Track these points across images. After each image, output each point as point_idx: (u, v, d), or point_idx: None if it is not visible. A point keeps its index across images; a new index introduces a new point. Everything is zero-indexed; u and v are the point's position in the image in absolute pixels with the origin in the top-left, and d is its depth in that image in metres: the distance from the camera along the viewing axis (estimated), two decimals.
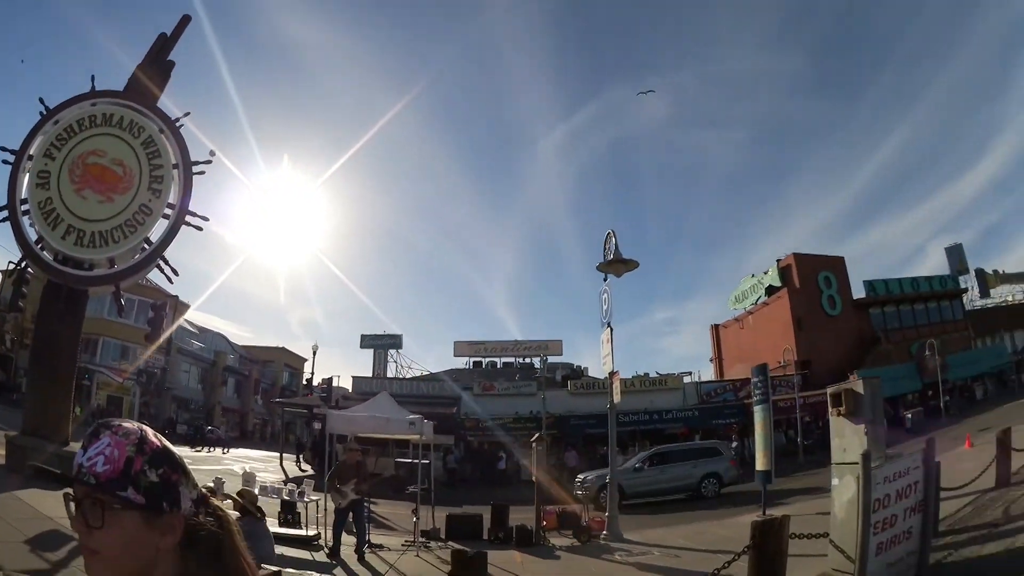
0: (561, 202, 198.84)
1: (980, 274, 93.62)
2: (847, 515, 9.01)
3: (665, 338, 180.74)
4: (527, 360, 61.28)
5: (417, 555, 15.45)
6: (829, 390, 10.41)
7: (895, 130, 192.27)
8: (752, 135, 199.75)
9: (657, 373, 57.79)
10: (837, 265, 66.99)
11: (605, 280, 18.91)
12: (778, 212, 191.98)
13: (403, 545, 16.49)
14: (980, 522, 12.50)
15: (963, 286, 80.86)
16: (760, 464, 16.75)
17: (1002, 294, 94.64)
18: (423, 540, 17.02)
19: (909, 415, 48.94)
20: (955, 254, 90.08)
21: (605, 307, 19.22)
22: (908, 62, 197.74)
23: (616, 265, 18.04)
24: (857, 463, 8.66)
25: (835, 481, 9.68)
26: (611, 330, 19.12)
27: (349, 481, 15.28)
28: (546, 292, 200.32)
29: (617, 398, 18.79)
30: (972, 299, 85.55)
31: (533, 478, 18.49)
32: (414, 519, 17.41)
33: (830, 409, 10.22)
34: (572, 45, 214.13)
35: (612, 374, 18.90)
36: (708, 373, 71.50)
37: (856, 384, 10.05)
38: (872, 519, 8.44)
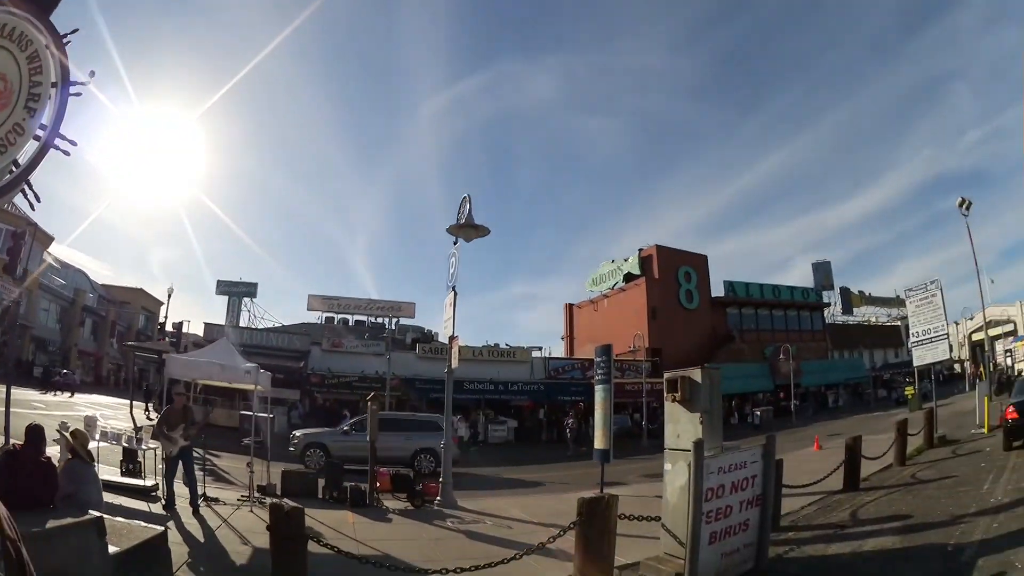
0: (435, 166, 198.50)
1: (845, 292, 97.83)
2: (679, 501, 8.97)
3: (521, 312, 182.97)
4: (379, 320, 60.63)
5: (251, 510, 15.08)
6: (666, 375, 10.31)
7: (783, 148, 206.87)
8: (636, 128, 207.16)
9: (507, 345, 58.06)
10: (699, 262, 69.90)
11: (455, 244, 18.64)
12: (649, 205, 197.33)
13: (239, 500, 16.14)
14: (826, 522, 12.81)
15: (826, 301, 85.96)
16: (599, 443, 17.01)
17: (865, 314, 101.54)
18: (258, 496, 16.62)
19: (758, 412, 51.97)
20: (821, 270, 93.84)
21: (452, 271, 19.05)
22: (812, 89, 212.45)
23: (467, 230, 18.08)
24: (689, 450, 8.55)
25: (668, 466, 9.65)
26: (455, 294, 18.92)
27: (177, 427, 14.58)
28: (407, 254, 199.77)
29: (455, 363, 18.84)
30: (834, 314, 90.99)
31: (369, 438, 18.51)
32: (249, 472, 16.95)
33: (666, 395, 10.09)
34: (474, 7, 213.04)
35: (452, 338, 19.10)
36: (559, 351, 72.35)
37: (694, 372, 9.89)
38: (704, 507, 8.41)
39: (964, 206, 30.85)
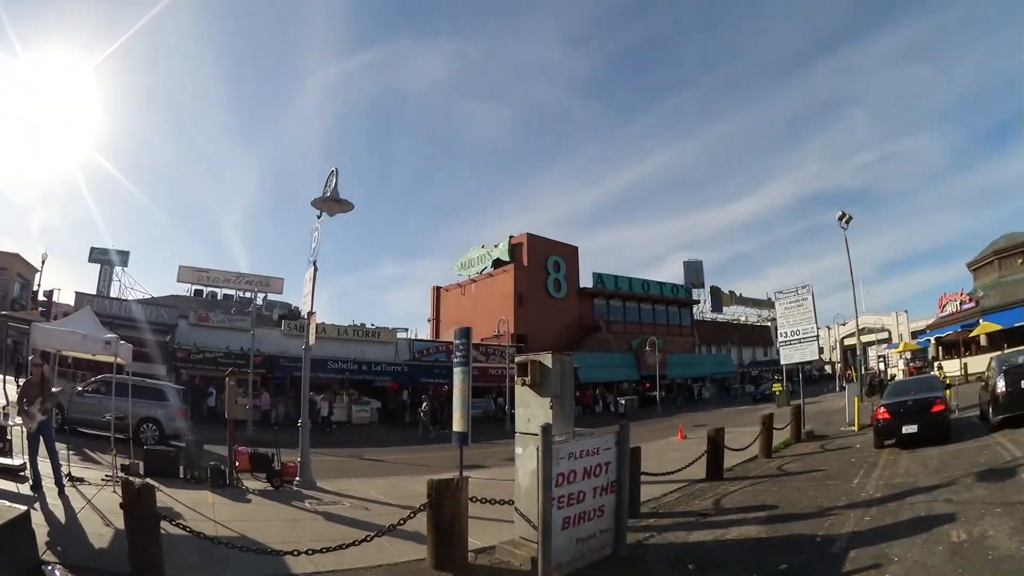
0: (316, 140, 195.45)
1: (715, 291, 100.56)
2: (530, 485, 9.03)
3: (391, 293, 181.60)
4: (247, 294, 59.16)
5: (114, 491, 14.29)
6: (517, 359, 10.47)
7: (669, 149, 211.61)
8: (522, 117, 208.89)
9: (373, 325, 57.39)
10: (569, 253, 71.00)
11: (319, 218, 18.39)
12: (526, 194, 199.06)
13: (103, 480, 15.52)
14: (688, 509, 13.06)
15: (696, 298, 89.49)
16: (457, 425, 16.74)
17: (735, 313, 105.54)
18: (122, 476, 15.62)
19: (623, 401, 53.52)
20: (693, 268, 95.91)
21: (314, 245, 18.89)
22: (705, 96, 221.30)
23: (331, 204, 17.80)
24: (539, 434, 8.66)
25: (519, 450, 9.72)
26: (315, 270, 18.76)
27: (35, 401, 13.72)
28: (283, 229, 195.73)
29: (312, 340, 18.87)
30: (703, 311, 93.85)
31: (226, 416, 18.16)
32: (113, 451, 16.84)
33: (516, 378, 10.16)
34: None
35: (310, 315, 19.10)
36: (425, 333, 71.69)
37: (545, 357, 9.93)
38: (555, 492, 8.53)
39: (844, 220, 32.77)
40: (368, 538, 8.75)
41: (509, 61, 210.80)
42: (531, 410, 9.87)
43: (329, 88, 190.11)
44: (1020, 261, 58.57)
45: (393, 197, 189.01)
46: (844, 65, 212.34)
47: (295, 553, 8.34)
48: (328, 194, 17.73)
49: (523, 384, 9.98)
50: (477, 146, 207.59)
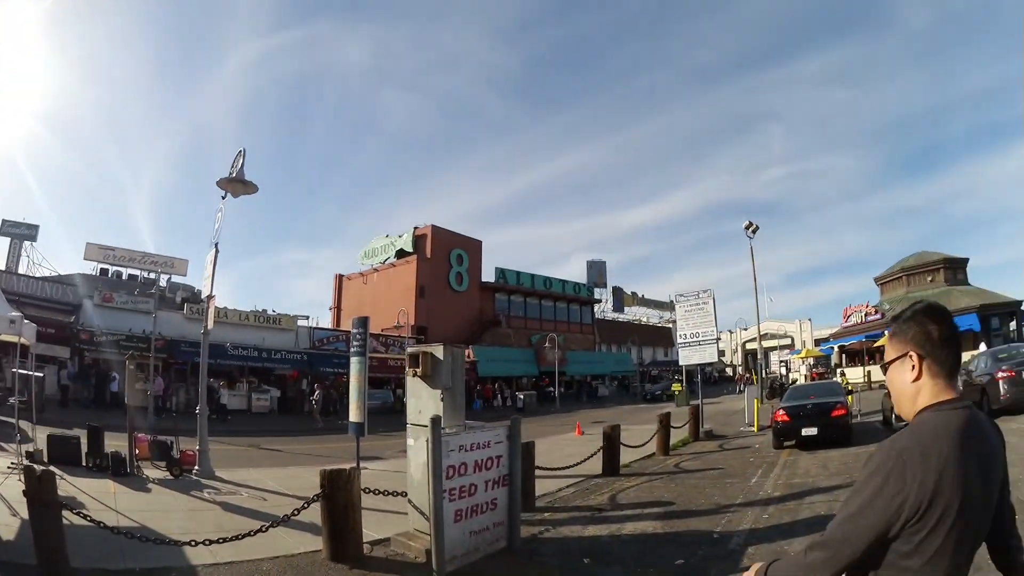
0: (231, 117, 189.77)
1: (617, 291, 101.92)
2: (422, 477, 9.02)
3: (294, 280, 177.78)
4: (151, 275, 57.58)
5: (19, 479, 13.76)
6: (409, 350, 10.43)
7: (582, 149, 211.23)
8: (438, 108, 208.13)
9: (275, 311, 56.34)
10: (473, 246, 71.42)
11: (223, 198, 18.00)
12: (436, 185, 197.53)
13: (9, 467, 15.48)
14: (584, 504, 13.12)
15: (598, 297, 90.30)
16: (353, 415, 16.83)
17: (637, 313, 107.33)
18: (27, 463, 15.23)
19: (522, 396, 54.45)
20: (596, 268, 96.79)
21: (217, 227, 18.52)
22: (623, 100, 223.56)
23: (236, 184, 17.48)
24: (429, 426, 8.64)
25: (411, 442, 9.80)
26: (216, 252, 18.45)
27: None
28: (191, 208, 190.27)
29: (210, 324, 18.63)
30: (604, 310, 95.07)
31: (126, 401, 18.06)
32: (18, 438, 16.68)
33: (408, 369, 10.16)
34: None
35: (209, 298, 18.74)
36: (327, 321, 70.79)
37: (436, 348, 10.08)
38: (446, 485, 8.62)
39: (751, 229, 33.87)
40: (264, 528, 8.75)
41: (430, 51, 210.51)
42: (422, 402, 9.90)
43: (249, 66, 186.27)
44: (930, 279, 63.67)
45: (302, 181, 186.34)
46: (767, 82, 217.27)
47: (193, 543, 8.34)
48: (234, 175, 17.45)
49: (414, 375, 9.99)
50: (390, 135, 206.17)
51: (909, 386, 2.36)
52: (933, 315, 2.36)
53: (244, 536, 8.52)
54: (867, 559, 2.18)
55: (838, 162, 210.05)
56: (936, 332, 2.33)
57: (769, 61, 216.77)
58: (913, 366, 2.33)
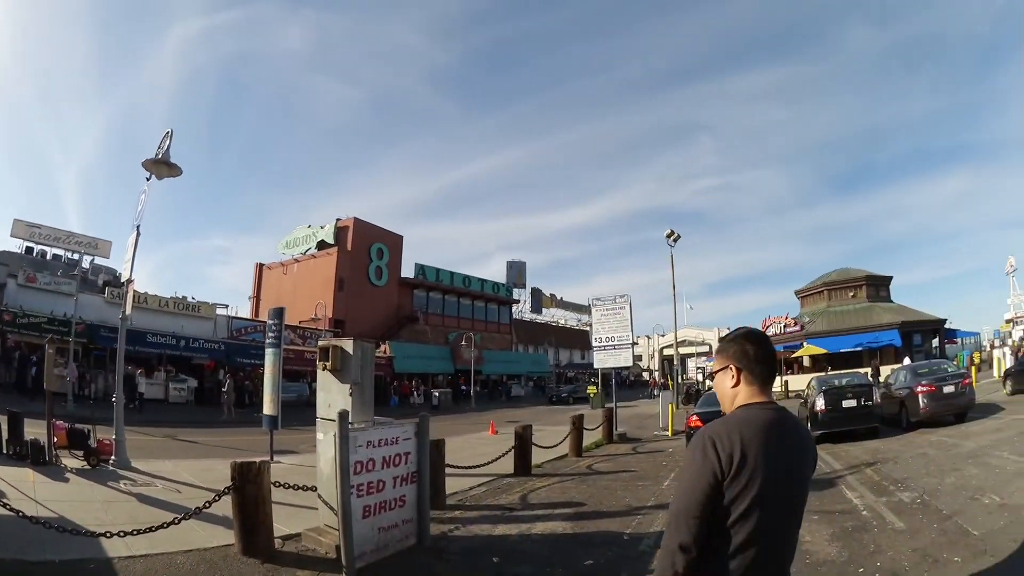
0: (166, 95, 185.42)
1: (536, 292, 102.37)
2: (331, 472, 9.03)
3: (216, 267, 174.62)
4: (75, 256, 56.17)
5: None
6: (320, 343, 10.58)
7: (512, 150, 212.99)
8: (371, 100, 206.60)
9: (194, 299, 55.35)
10: (394, 241, 71.39)
11: (148, 180, 17.59)
12: (362, 177, 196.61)
13: None
14: (495, 503, 13.31)
15: (517, 298, 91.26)
16: (267, 408, 17.33)
17: (555, 315, 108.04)
18: None
19: (437, 393, 54.50)
20: (515, 268, 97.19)
21: (139, 209, 18.04)
22: (557, 104, 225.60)
23: (160, 166, 17.22)
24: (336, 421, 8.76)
25: (320, 436, 9.85)
26: (138, 235, 17.96)
27: None
28: (122, 189, 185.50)
29: (128, 309, 18.21)
30: (522, 311, 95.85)
31: (45, 387, 17.70)
32: None
33: (318, 363, 10.26)
34: None
35: (128, 282, 18.18)
36: (246, 311, 69.86)
37: (346, 342, 10.16)
38: (354, 480, 8.69)
39: (672, 238, 35.20)
40: (176, 521, 8.68)
41: (369, 42, 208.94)
42: (332, 396, 9.96)
43: (189, 43, 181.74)
44: (851, 294, 66.27)
45: (230, 165, 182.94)
46: (703, 94, 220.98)
47: (108, 535, 8.32)
48: (160, 156, 17.18)
49: (324, 369, 10.06)
50: (321, 124, 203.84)
51: (730, 390, 3.01)
52: (751, 338, 3.01)
53: (158, 528, 8.48)
54: (707, 528, 2.59)
55: (767, 177, 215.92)
56: (752, 351, 2.96)
57: (707, 74, 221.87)
58: (733, 376, 2.98)
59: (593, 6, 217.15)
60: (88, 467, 15.72)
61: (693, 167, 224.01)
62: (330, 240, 66.99)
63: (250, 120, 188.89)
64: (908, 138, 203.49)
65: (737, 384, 2.96)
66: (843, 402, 20.47)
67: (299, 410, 30.62)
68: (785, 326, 65.79)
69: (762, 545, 2.59)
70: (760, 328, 64.62)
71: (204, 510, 8.95)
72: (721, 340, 3.21)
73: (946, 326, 63.40)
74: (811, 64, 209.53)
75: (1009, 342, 53.53)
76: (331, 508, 9.08)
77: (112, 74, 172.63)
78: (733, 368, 2.97)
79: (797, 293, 73.49)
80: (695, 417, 19.99)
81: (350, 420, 8.87)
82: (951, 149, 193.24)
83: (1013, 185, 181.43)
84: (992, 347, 59.40)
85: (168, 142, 17.30)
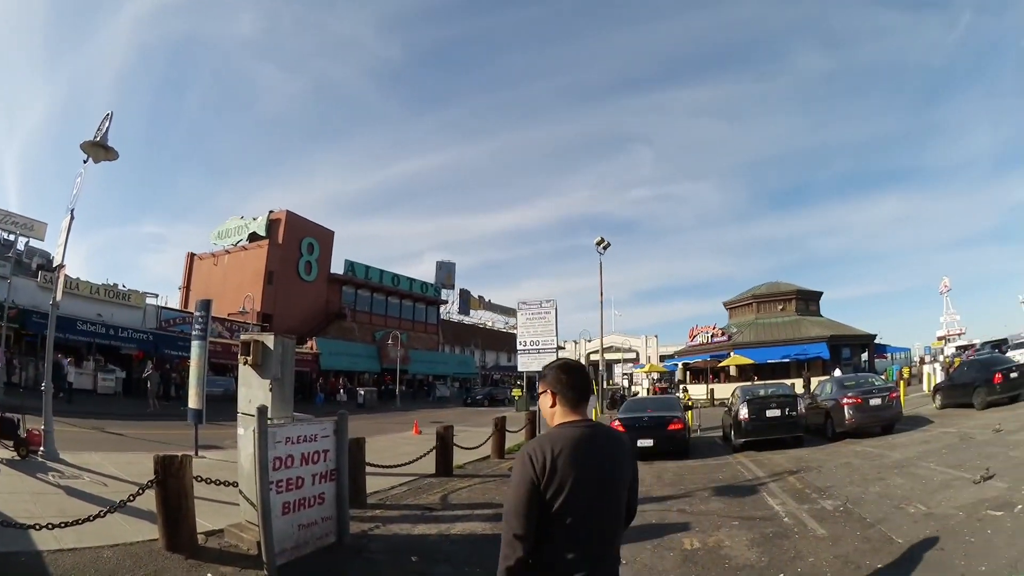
0: (112, 74, 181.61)
1: (465, 294, 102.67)
2: (252, 468, 8.93)
3: (149, 254, 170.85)
4: (11, 236, 54.75)
5: None
6: (242, 338, 10.44)
7: (450, 150, 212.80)
8: (314, 90, 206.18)
9: (125, 286, 54.14)
10: (325, 236, 70.77)
11: (85, 163, 17.29)
12: (298, 169, 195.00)
13: None
14: (415, 503, 13.43)
15: (445, 298, 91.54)
16: (192, 402, 17.08)
17: (482, 317, 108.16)
18: None
19: (362, 392, 54.41)
20: (445, 269, 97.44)
21: (75, 192, 17.77)
22: (500, 106, 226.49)
23: (98, 149, 16.90)
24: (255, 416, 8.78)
25: (241, 431, 9.75)
26: (72, 218, 17.60)
27: None
28: (66, 169, 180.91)
29: (59, 295, 17.81)
30: (450, 312, 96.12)
31: None
32: None
33: (240, 357, 10.23)
34: None
35: (59, 267, 17.91)
36: (176, 301, 68.78)
37: (267, 337, 10.14)
38: (273, 477, 8.70)
39: (602, 245, 35.75)
40: (102, 514, 8.56)
41: (318, 32, 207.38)
42: (252, 391, 9.89)
43: (140, 21, 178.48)
44: (780, 307, 68.00)
45: (168, 150, 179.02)
46: (645, 105, 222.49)
47: (38, 527, 8.26)
48: (98, 138, 16.91)
49: (246, 363, 10.01)
50: (262, 113, 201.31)
51: (549, 410, 3.59)
52: (564, 368, 3.64)
53: (84, 521, 8.38)
54: (534, 524, 3.18)
55: (703, 189, 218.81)
56: (564, 379, 3.57)
57: (650, 86, 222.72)
58: (551, 398, 3.56)
59: (541, 12, 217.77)
60: (18, 458, 15.49)
61: (629, 176, 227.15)
62: (262, 232, 66.01)
63: (192, 104, 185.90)
64: (849, 160, 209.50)
65: (554, 405, 3.56)
66: (767, 411, 20.88)
67: (226, 404, 30.08)
68: (712, 336, 66.83)
69: (582, 531, 3.23)
70: (688, 337, 66.07)
71: (129, 503, 8.81)
72: (543, 368, 3.82)
73: (877, 341, 65.24)
74: (757, 83, 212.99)
75: (940, 358, 54.98)
76: (252, 504, 9.01)
77: (61, 49, 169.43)
78: (551, 392, 3.57)
79: (726, 304, 74.75)
80: (617, 423, 20.54)
81: (269, 416, 8.87)
82: (891, 173, 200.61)
83: (949, 210, 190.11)
84: (922, 362, 60.78)
85: (108, 124, 17.11)
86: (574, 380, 3.55)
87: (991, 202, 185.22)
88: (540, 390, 3.67)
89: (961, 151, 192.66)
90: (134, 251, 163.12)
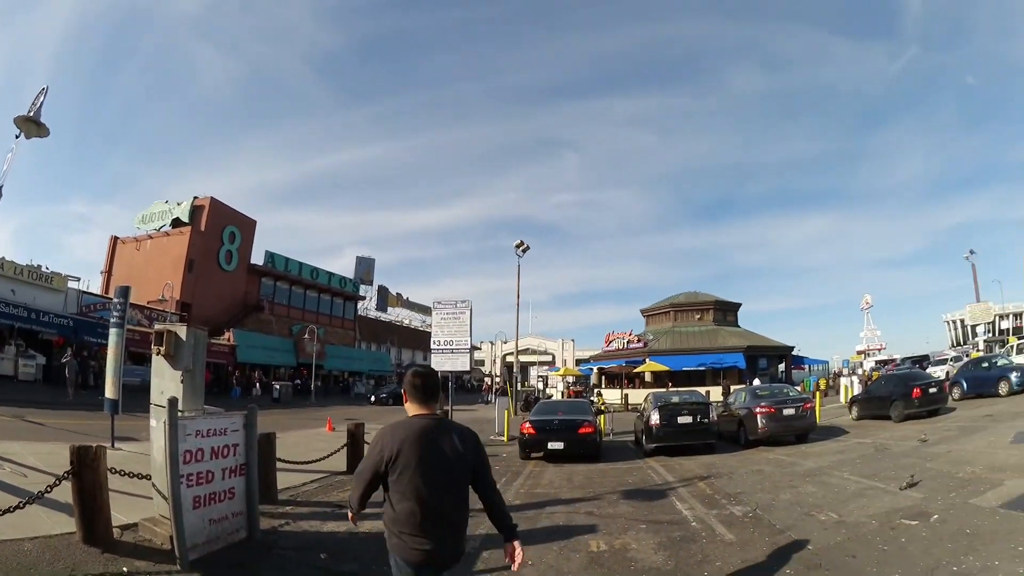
0: (53, 49, 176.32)
1: (383, 290, 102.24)
2: (164, 460, 8.84)
3: (75, 235, 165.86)
4: None
5: None
6: (156, 328, 10.20)
7: (378, 145, 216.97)
8: (249, 75, 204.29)
9: (47, 269, 52.48)
10: (248, 225, 69.76)
11: (17, 138, 17.31)
12: (229, 154, 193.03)
13: None
14: (326, 500, 13.50)
15: (363, 294, 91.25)
16: (109, 391, 16.78)
17: (400, 315, 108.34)
18: None
19: (278, 386, 53.53)
20: (365, 264, 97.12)
21: (4, 168, 17.96)
22: (432, 105, 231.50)
23: (30, 125, 17.03)
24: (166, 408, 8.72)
25: (153, 423, 9.60)
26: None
27: None
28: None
29: None
30: (367, 308, 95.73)
31: None
32: None
33: (153, 347, 10.11)
34: None
35: None
36: (98, 285, 67.11)
37: (180, 328, 10.11)
38: (183, 470, 8.68)
39: (521, 248, 36.78)
40: (21, 505, 8.39)
41: (260, 16, 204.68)
42: (164, 382, 9.80)
43: None
44: (698, 317, 69.74)
45: (99, 127, 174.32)
46: (575, 112, 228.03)
47: None
48: (31, 113, 16.94)
49: (159, 354, 9.89)
50: (197, 95, 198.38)
51: (406, 405, 4.77)
52: (414, 373, 4.81)
53: (4, 513, 8.20)
54: (375, 484, 4.57)
55: (627, 198, 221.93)
56: (411, 380, 4.74)
57: (583, 93, 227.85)
58: (405, 396, 4.75)
59: (475, 13, 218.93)
60: None
61: (555, 181, 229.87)
62: (185, 218, 64.47)
63: (127, 81, 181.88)
64: (777, 177, 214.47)
65: (407, 401, 4.77)
66: (678, 418, 21.30)
67: (144, 395, 29.63)
68: (628, 342, 67.57)
69: (416, 500, 4.36)
70: (604, 343, 67.00)
71: (46, 495, 8.75)
72: (403, 373, 5.23)
73: (796, 353, 66.84)
74: (690, 97, 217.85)
75: (859, 371, 56.51)
76: (165, 497, 8.90)
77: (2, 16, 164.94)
78: (405, 391, 4.78)
79: (643, 312, 75.98)
80: (528, 425, 20.88)
81: (180, 408, 8.83)
82: (820, 193, 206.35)
83: (877, 231, 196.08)
84: (840, 375, 62.58)
85: (42, 99, 17.12)
86: (422, 383, 4.74)
87: (919, 227, 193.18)
88: (403, 390, 4.84)
89: (893, 176, 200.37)
90: (59, 231, 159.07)
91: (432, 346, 28.70)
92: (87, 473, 8.61)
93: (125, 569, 8.15)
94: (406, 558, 4.49)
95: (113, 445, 15.83)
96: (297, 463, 14.89)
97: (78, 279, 53.81)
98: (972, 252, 68.79)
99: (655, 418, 21.29)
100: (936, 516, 10.01)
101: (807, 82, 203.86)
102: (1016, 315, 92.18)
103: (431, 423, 4.57)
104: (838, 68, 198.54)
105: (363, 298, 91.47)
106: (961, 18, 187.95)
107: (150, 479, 9.75)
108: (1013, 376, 27.69)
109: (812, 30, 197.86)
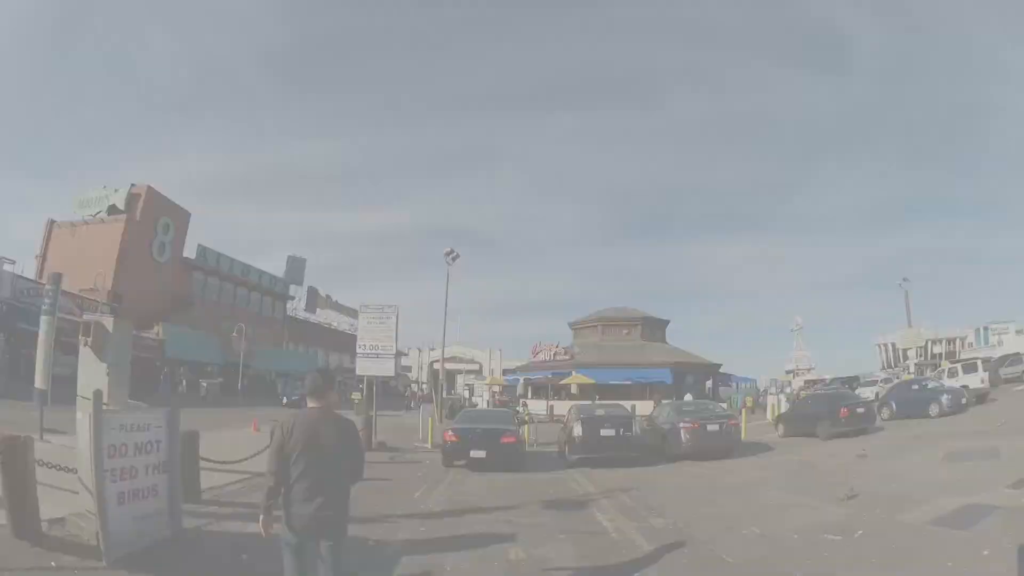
0: (41, 32, 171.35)
1: (312, 291, 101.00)
2: (89, 454, 8.76)
3: (13, 214, 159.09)
4: None
5: None
6: (84, 318, 10.45)
7: (322, 142, 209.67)
8: (202, 63, 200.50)
9: None
10: (181, 217, 68.31)
11: None
12: (171, 141, 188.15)
13: None
14: (249, 501, 12.97)
15: (293, 294, 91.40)
16: (38, 382, 16.80)
17: (328, 317, 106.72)
18: None
19: (205, 384, 53.52)
20: (296, 265, 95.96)
21: None
22: (380, 105, 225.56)
23: None
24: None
25: (79, 416, 9.47)
26: None
27: None
28: None
29: None
30: (296, 308, 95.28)
31: None
32: None
33: (80, 338, 10.14)
34: None
35: None
36: (32, 271, 65.31)
37: (107, 320, 10.26)
38: (108, 464, 8.58)
39: (451, 256, 37.61)
40: None
41: (226, 15, 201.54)
42: (90, 375, 9.78)
43: None
44: (626, 332, 70.95)
45: (47, 100, 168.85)
46: (513, 123, 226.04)
47: None
48: None
49: (86, 345, 9.91)
50: (143, 75, 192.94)
51: (305, 398, 5.98)
52: (309, 375, 6.06)
53: None
54: (281, 467, 5.48)
55: (559, 211, 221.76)
56: (311, 380, 5.95)
57: (523, 105, 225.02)
58: (304, 392, 5.98)
59: (435, 17, 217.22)
60: None
61: (490, 191, 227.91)
62: (121, 206, 62.77)
63: (82, 54, 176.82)
64: (713, 199, 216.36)
65: (304, 396, 5.99)
66: (601, 430, 21.57)
67: (75, 385, 29.29)
68: (555, 354, 68.29)
69: (306, 475, 5.42)
70: (531, 354, 67.50)
71: None
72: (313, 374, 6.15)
73: (724, 371, 67.99)
74: (631, 116, 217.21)
75: (788, 390, 57.55)
76: (90, 492, 8.75)
77: None
78: (305, 389, 5.99)
79: (571, 325, 76.69)
80: (451, 433, 21.10)
81: (106, 401, 8.75)
82: (754, 216, 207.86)
83: (807, 256, 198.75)
84: (767, 393, 63.03)
85: None
86: (311, 382, 5.94)
87: (855, 253, 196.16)
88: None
89: (831, 203, 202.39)
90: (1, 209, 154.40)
91: (357, 350, 28.51)
92: (15, 464, 8.52)
93: (53, 564, 8.13)
94: (291, 525, 5.52)
95: (42, 437, 15.58)
96: (221, 463, 14.77)
97: (13, 262, 51.86)
98: (905, 279, 70.18)
99: (578, 430, 21.56)
100: (861, 532, 10.25)
101: (749, 108, 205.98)
102: (949, 340, 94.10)
103: (318, 415, 5.78)
104: (783, 96, 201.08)
105: (292, 298, 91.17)
106: (911, 58, 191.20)
107: (77, 473, 9.59)
108: (944, 398, 28.75)
109: (760, 57, 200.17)
